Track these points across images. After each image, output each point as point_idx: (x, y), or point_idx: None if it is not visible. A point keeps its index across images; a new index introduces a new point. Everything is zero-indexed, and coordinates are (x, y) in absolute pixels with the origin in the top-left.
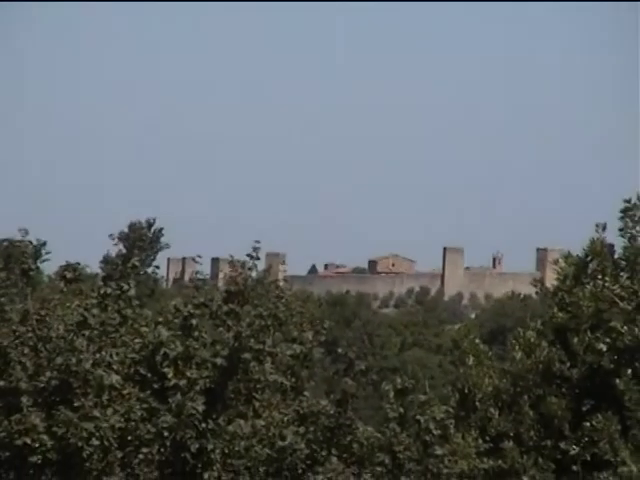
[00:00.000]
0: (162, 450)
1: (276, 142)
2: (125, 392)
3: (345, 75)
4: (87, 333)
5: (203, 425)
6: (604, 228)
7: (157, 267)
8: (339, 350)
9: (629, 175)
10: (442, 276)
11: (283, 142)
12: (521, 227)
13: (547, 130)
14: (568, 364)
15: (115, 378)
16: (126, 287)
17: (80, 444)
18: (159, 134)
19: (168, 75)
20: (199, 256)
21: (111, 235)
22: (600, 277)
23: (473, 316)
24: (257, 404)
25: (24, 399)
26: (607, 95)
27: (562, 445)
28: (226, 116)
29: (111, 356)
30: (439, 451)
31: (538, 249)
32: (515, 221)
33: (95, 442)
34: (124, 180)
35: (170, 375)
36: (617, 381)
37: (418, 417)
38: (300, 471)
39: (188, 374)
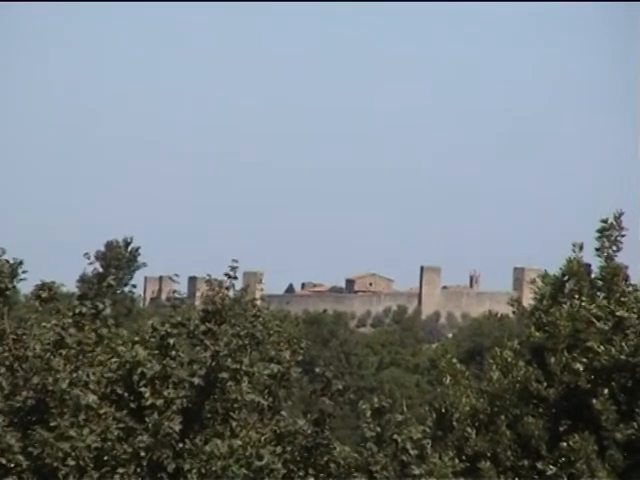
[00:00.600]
0: (139, 470)
1: (252, 160)
2: (102, 412)
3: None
4: (64, 352)
5: (180, 445)
6: (581, 248)
7: (134, 286)
8: (316, 370)
9: (607, 194)
10: (419, 295)
11: (259, 160)
12: (498, 246)
13: (526, 149)
14: (545, 384)
15: (92, 398)
16: (101, 306)
17: (56, 464)
18: (138, 150)
19: (143, 89)
20: (176, 275)
21: (87, 254)
22: (577, 297)
23: (450, 335)
24: (234, 424)
25: (0, 419)
26: (583, 109)
27: (539, 465)
28: (203, 134)
29: (88, 375)
30: (416, 471)
31: (515, 268)
32: (493, 240)
33: (71, 462)
34: (100, 198)
35: (147, 394)
36: (594, 401)
37: (395, 437)
38: None
39: (165, 393)
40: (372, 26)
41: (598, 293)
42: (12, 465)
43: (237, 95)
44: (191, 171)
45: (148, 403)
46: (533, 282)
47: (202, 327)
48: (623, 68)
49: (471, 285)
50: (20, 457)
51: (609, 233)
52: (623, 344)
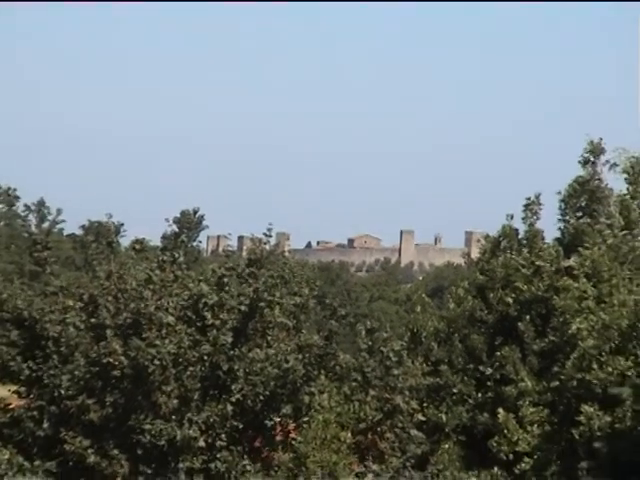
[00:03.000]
0: (202, 369)
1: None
2: (177, 328)
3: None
4: (151, 287)
5: (231, 352)
6: (512, 217)
7: (200, 242)
8: (326, 301)
9: (537, 173)
10: (399, 250)
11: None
12: (456, 214)
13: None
14: (486, 312)
15: (170, 318)
16: (177, 255)
17: (146, 363)
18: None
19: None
20: (229, 234)
21: (167, 219)
22: (509, 251)
23: (420, 278)
24: (269, 338)
25: (108, 332)
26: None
27: (481, 368)
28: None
29: (168, 303)
30: (396, 372)
31: (466, 231)
32: (451, 210)
33: (156, 362)
34: (178, 176)
35: (208, 317)
36: (519, 324)
37: (382, 348)
38: (298, 385)
39: (221, 316)
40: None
41: (523, 249)
42: (117, 363)
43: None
44: (250, 160)
45: (209, 323)
46: (478, 241)
47: (247, 270)
48: None
49: (435, 243)
50: (122, 358)
51: (531, 207)
52: (540, 284)
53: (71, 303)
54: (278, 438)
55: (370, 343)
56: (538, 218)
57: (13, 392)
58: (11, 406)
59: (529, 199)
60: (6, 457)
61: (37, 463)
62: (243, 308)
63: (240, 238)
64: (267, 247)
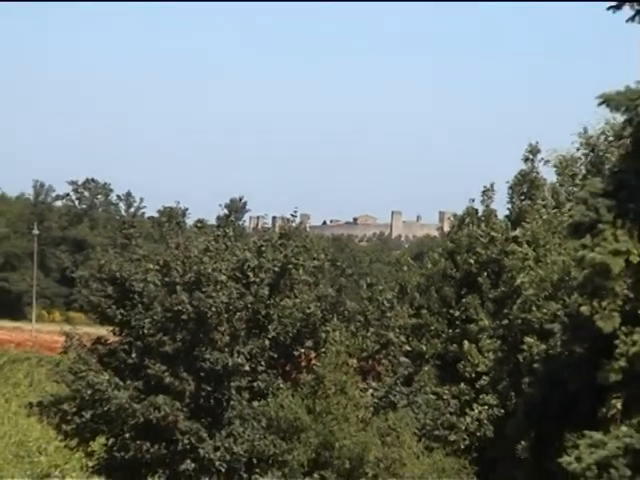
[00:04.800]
0: (247, 314)
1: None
2: (228, 284)
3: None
4: (209, 254)
5: (268, 301)
6: (473, 200)
7: (244, 221)
8: (337, 264)
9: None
10: (391, 226)
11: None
12: (432, 198)
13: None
14: (454, 270)
15: (223, 277)
16: (228, 231)
17: (206, 310)
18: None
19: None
20: (265, 215)
21: (220, 204)
22: (471, 225)
23: (406, 246)
24: (295, 291)
25: (178, 287)
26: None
27: (451, 311)
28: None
29: (221, 266)
30: (389, 314)
31: (440, 211)
32: (428, 194)
33: (213, 309)
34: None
35: (251, 276)
36: (479, 278)
37: (378, 297)
38: (317, 325)
39: (260, 275)
40: None
41: (481, 224)
42: (184, 310)
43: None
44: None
45: (251, 280)
46: (449, 219)
47: (279, 241)
48: None
49: (417, 220)
50: (188, 306)
51: (487, 193)
52: (494, 249)
53: (151, 266)
54: (303, 364)
55: (370, 294)
56: (492, 201)
57: (110, 331)
58: (109, 341)
59: (486, 187)
60: (106, 378)
61: (128, 382)
62: (276, 269)
63: (274, 218)
64: (293, 224)
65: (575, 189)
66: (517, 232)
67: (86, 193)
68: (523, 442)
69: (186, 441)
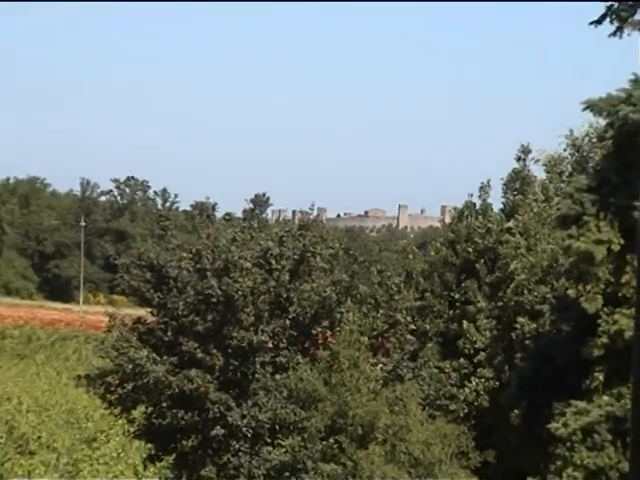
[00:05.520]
0: (269, 296)
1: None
2: (253, 270)
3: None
4: (236, 244)
5: (288, 286)
6: (472, 195)
7: (267, 214)
8: (350, 252)
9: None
10: (397, 218)
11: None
12: (435, 193)
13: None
14: (455, 257)
15: (248, 264)
16: (252, 223)
17: (233, 293)
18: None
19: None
20: (286, 208)
21: (245, 199)
22: (469, 218)
23: (412, 237)
24: (313, 276)
25: (208, 273)
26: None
27: (452, 294)
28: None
29: (246, 254)
30: (397, 297)
31: (442, 205)
32: (431, 190)
33: (240, 293)
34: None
35: (273, 263)
36: (476, 265)
37: (386, 282)
38: (332, 307)
39: (281, 262)
40: None
41: (479, 216)
42: (214, 293)
43: None
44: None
45: (274, 267)
46: (450, 212)
47: (298, 232)
48: None
49: (421, 213)
50: (217, 290)
51: (484, 188)
52: (490, 239)
53: (184, 255)
54: (320, 341)
55: (379, 279)
56: (488, 196)
57: (149, 312)
58: (147, 321)
59: (483, 183)
60: (145, 354)
61: (164, 358)
62: (296, 257)
63: (293, 211)
64: (311, 217)
65: (562, 185)
66: (510, 224)
67: (127, 189)
68: (516, 410)
69: (216, 410)
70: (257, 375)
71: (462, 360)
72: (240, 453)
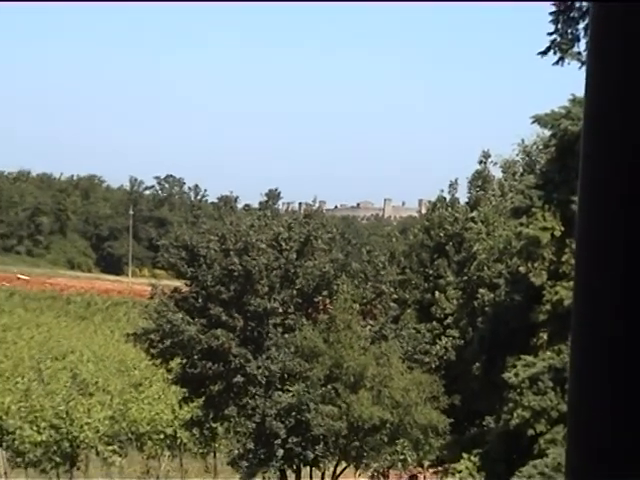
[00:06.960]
0: (280, 271)
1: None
2: (267, 251)
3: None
4: (253, 229)
5: (295, 263)
6: (443, 191)
7: (279, 205)
8: (345, 236)
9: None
10: (383, 209)
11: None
12: (413, 188)
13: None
14: (429, 240)
15: (263, 245)
16: (267, 212)
17: (251, 268)
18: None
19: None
20: (293, 201)
21: (261, 193)
22: (441, 209)
23: (395, 224)
24: (315, 255)
25: (232, 252)
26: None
27: (426, 270)
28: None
29: (262, 237)
30: (382, 272)
31: (419, 199)
32: (410, 186)
33: (257, 268)
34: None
35: (283, 245)
36: (446, 247)
37: (374, 260)
38: (330, 280)
39: (290, 244)
40: None
41: (448, 208)
42: (235, 268)
43: None
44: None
45: (284, 248)
46: (425, 204)
47: (304, 220)
48: None
49: (402, 205)
50: (239, 266)
51: (453, 185)
52: (457, 226)
53: (212, 237)
54: (320, 308)
55: (368, 258)
56: (456, 191)
57: (183, 284)
58: (182, 291)
59: (451, 181)
60: (180, 316)
61: (196, 320)
62: (301, 240)
63: (300, 203)
64: (313, 208)
65: (515, 183)
66: (474, 214)
67: (166, 185)
68: (477, 363)
69: (237, 362)
70: (270, 334)
71: (434, 323)
72: (256, 396)
